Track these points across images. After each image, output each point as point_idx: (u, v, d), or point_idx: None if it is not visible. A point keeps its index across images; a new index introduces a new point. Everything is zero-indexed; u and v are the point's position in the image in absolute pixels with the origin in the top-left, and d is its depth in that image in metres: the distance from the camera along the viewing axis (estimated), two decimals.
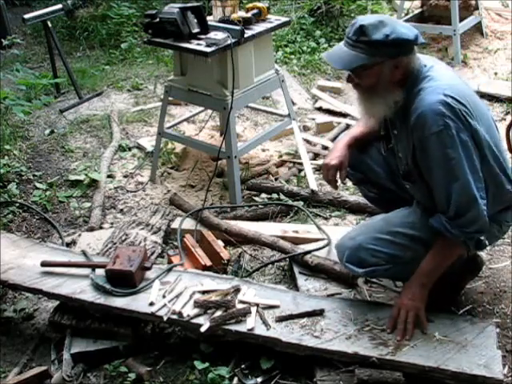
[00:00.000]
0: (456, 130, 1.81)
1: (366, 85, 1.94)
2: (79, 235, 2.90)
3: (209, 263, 2.42)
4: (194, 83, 3.01)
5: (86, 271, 2.28)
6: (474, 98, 1.95)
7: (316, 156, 3.56)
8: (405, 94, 1.94)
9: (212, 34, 2.84)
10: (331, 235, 2.59)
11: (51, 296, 2.25)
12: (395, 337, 1.96)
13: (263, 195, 3.09)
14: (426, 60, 1.99)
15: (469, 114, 1.84)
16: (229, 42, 2.75)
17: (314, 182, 3.08)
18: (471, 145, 1.84)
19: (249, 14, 3.00)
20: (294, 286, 2.42)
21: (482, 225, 1.90)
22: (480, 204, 1.87)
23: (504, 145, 2.03)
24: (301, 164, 3.33)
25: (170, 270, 2.32)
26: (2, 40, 4.47)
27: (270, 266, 2.59)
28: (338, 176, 2.26)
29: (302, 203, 2.98)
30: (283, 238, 2.61)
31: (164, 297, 2.16)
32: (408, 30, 1.87)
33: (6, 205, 3.15)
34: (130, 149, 3.76)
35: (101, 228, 2.95)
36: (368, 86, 1.94)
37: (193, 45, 2.79)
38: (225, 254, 2.49)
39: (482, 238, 1.95)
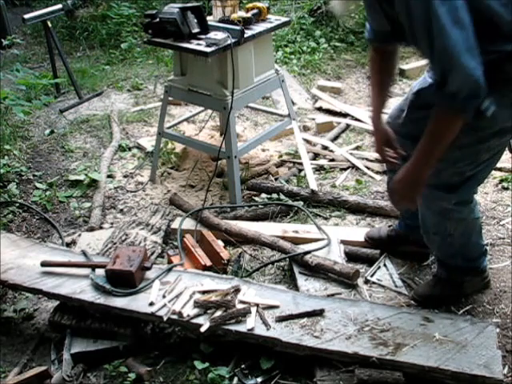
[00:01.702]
0: None
1: None
2: (79, 235, 2.90)
3: (209, 263, 2.43)
4: (193, 83, 3.01)
5: (86, 271, 2.28)
6: None
7: (316, 156, 3.56)
8: None
9: (212, 34, 2.83)
10: (331, 235, 2.59)
11: (51, 296, 2.25)
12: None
13: (263, 195, 3.09)
14: None
15: None
16: (229, 42, 2.75)
17: (313, 181, 3.08)
18: None
19: (249, 14, 3.00)
20: (294, 286, 2.42)
21: (471, 87, 1.62)
22: (463, 57, 1.58)
23: None
24: (301, 164, 3.33)
25: (170, 269, 2.32)
26: (2, 40, 4.47)
27: (270, 265, 2.59)
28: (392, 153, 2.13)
29: (301, 203, 2.98)
30: (283, 237, 2.61)
31: (164, 297, 2.16)
32: None
33: (6, 205, 3.15)
34: (129, 149, 3.77)
35: (101, 228, 2.95)
36: None
37: (193, 45, 2.79)
38: (225, 254, 2.49)
39: (485, 105, 1.69)
